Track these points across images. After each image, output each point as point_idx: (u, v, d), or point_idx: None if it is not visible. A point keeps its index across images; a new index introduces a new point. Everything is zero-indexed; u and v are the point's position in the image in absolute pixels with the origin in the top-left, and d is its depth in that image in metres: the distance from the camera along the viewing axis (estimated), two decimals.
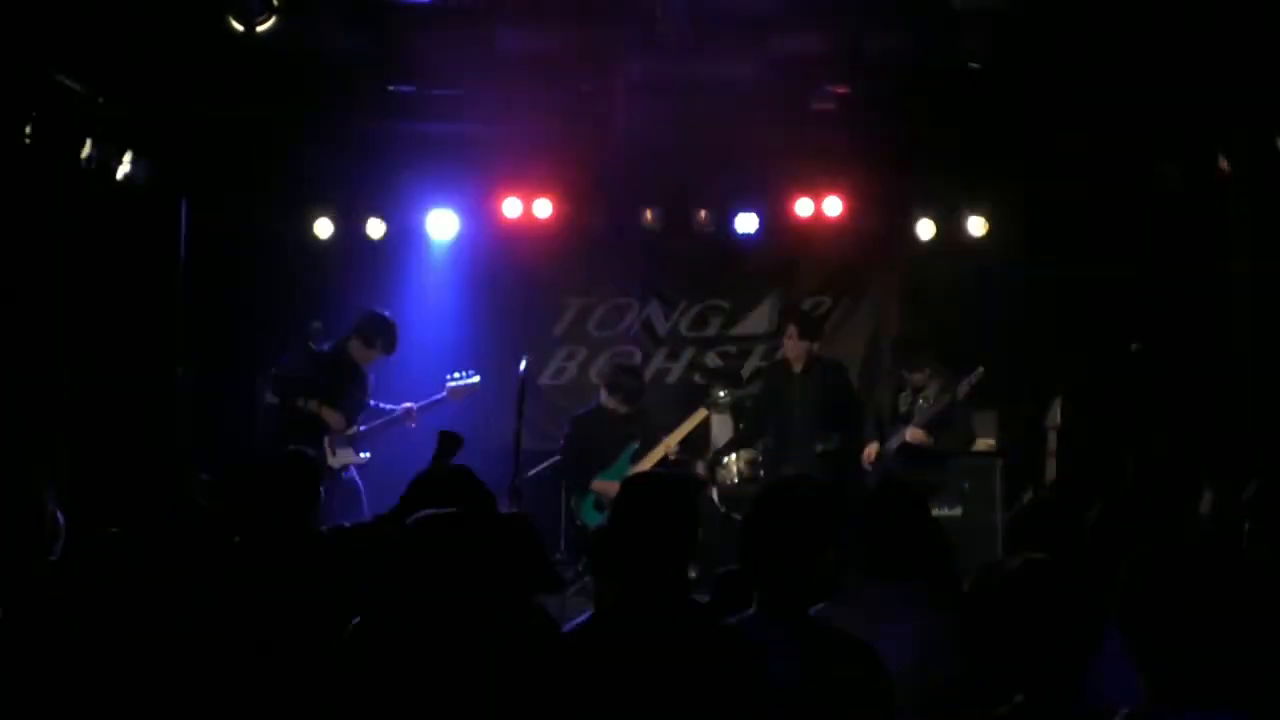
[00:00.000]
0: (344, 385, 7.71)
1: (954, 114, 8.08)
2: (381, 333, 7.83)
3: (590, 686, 2.92)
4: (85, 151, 7.56)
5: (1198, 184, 8.22)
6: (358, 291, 9.05)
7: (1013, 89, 7.52)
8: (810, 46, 7.10)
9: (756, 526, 3.41)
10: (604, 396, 8.19)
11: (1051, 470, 7.74)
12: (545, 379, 9.57)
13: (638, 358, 9.98)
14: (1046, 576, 2.67)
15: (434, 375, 8.33)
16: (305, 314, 8.25)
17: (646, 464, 7.95)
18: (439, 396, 8.08)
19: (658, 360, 10.05)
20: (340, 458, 7.67)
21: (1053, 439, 7.95)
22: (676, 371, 9.99)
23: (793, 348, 8.10)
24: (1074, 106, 7.83)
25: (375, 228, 9.19)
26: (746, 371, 9.81)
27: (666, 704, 2.91)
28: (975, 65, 7.12)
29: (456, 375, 8.16)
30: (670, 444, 8.07)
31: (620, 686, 2.91)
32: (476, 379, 8.18)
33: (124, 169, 7.94)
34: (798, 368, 8.10)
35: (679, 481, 3.28)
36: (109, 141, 7.76)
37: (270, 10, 5.75)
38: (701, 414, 8.33)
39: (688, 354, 9.99)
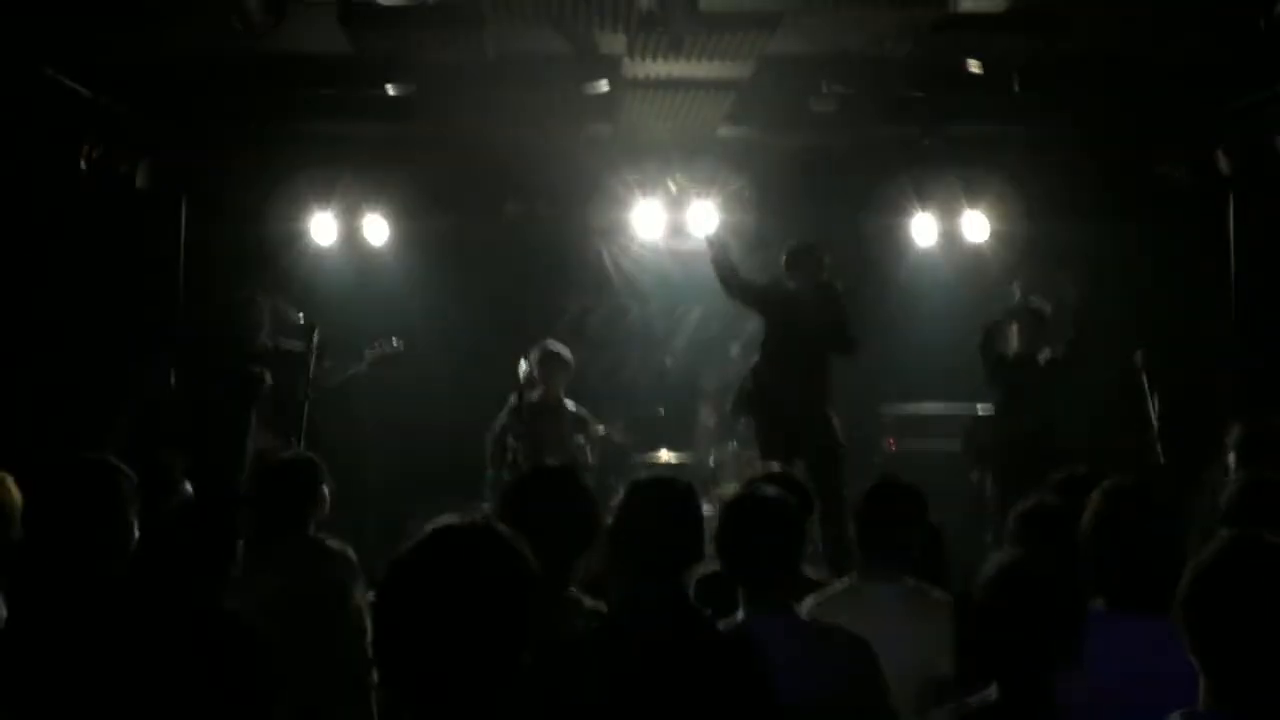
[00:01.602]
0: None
1: (956, 114, 8.09)
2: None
3: (597, 691, 2.92)
4: (85, 152, 7.56)
5: (1199, 184, 8.24)
6: (358, 292, 9.07)
7: (1013, 88, 7.52)
8: (810, 46, 7.10)
9: (731, 530, 3.42)
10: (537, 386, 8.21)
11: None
12: None
13: (638, 359, 10.01)
14: (1025, 576, 2.68)
15: (435, 375, 8.35)
16: (305, 314, 8.25)
17: None
18: (357, 369, 8.08)
19: (657, 361, 10.06)
20: (258, 443, 7.62)
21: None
22: (677, 373, 9.99)
23: (807, 277, 7.65)
24: (1076, 106, 7.85)
25: (375, 228, 9.20)
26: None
27: (674, 708, 2.90)
28: (976, 67, 7.11)
29: (376, 344, 8.16)
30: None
31: (627, 691, 2.90)
32: (397, 344, 8.18)
33: (124, 169, 7.95)
34: (804, 297, 7.67)
35: (684, 485, 3.27)
36: (109, 142, 7.76)
37: (271, 11, 5.74)
38: (599, 430, 8.44)
39: (688, 355, 10.00)
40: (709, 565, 3.65)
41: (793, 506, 3.45)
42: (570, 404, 8.40)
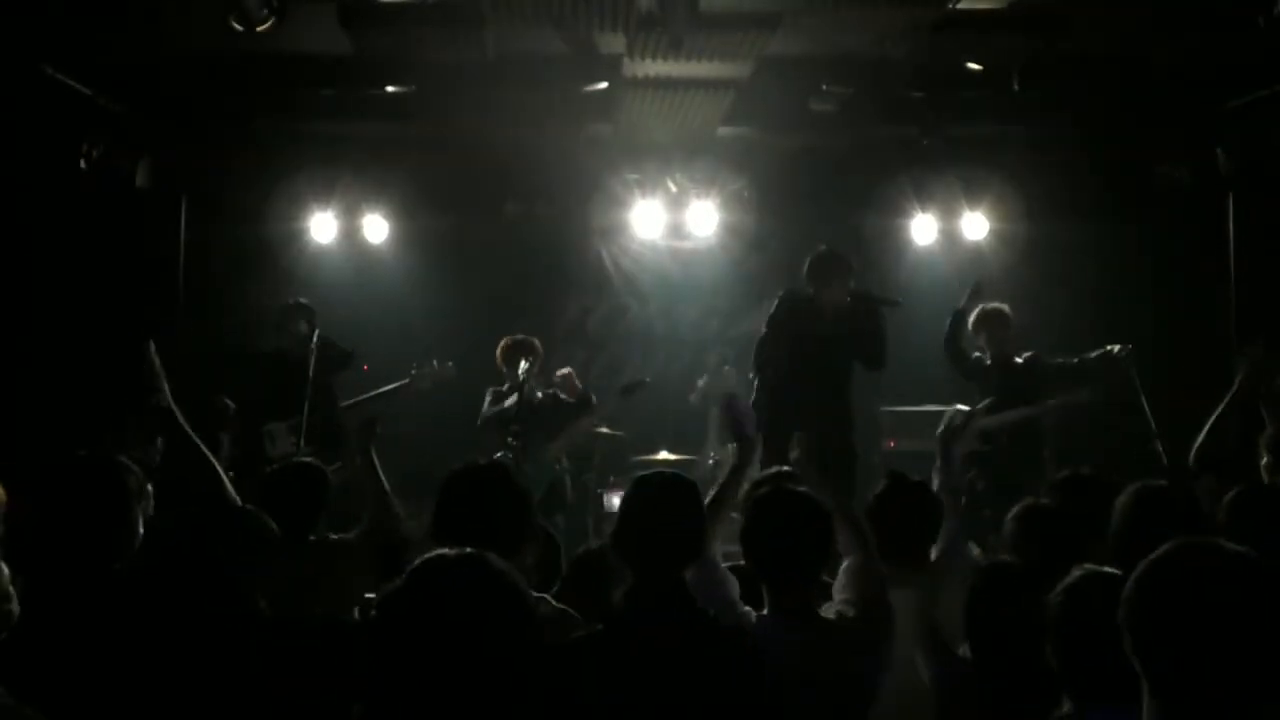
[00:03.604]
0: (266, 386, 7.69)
1: (956, 114, 8.09)
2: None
3: (599, 689, 2.92)
4: (85, 151, 7.56)
5: (1199, 184, 8.25)
6: (358, 291, 9.08)
7: (1013, 88, 7.52)
8: (810, 46, 7.11)
9: (760, 530, 3.41)
10: (506, 374, 8.14)
11: (1051, 471, 7.73)
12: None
13: (638, 358, 10.01)
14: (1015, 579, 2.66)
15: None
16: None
17: (564, 441, 8.07)
18: (399, 384, 8.04)
19: (657, 360, 10.07)
20: (280, 447, 7.53)
21: (1052, 439, 7.93)
22: (677, 373, 9.99)
23: (839, 293, 7.15)
24: (1076, 106, 7.86)
25: (375, 228, 9.20)
26: None
27: (678, 703, 2.91)
28: (975, 66, 7.12)
29: (425, 363, 8.14)
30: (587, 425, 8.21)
31: (629, 689, 2.91)
32: (449, 366, 8.14)
33: (124, 168, 7.95)
34: (829, 314, 7.19)
35: (688, 482, 3.27)
36: (109, 141, 7.76)
37: (271, 11, 5.75)
38: (614, 399, 8.39)
39: (688, 355, 10.01)
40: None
41: (823, 507, 3.44)
42: (540, 394, 8.35)
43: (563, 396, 8.30)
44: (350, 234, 9.24)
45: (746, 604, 3.47)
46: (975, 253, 9.30)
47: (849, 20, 6.59)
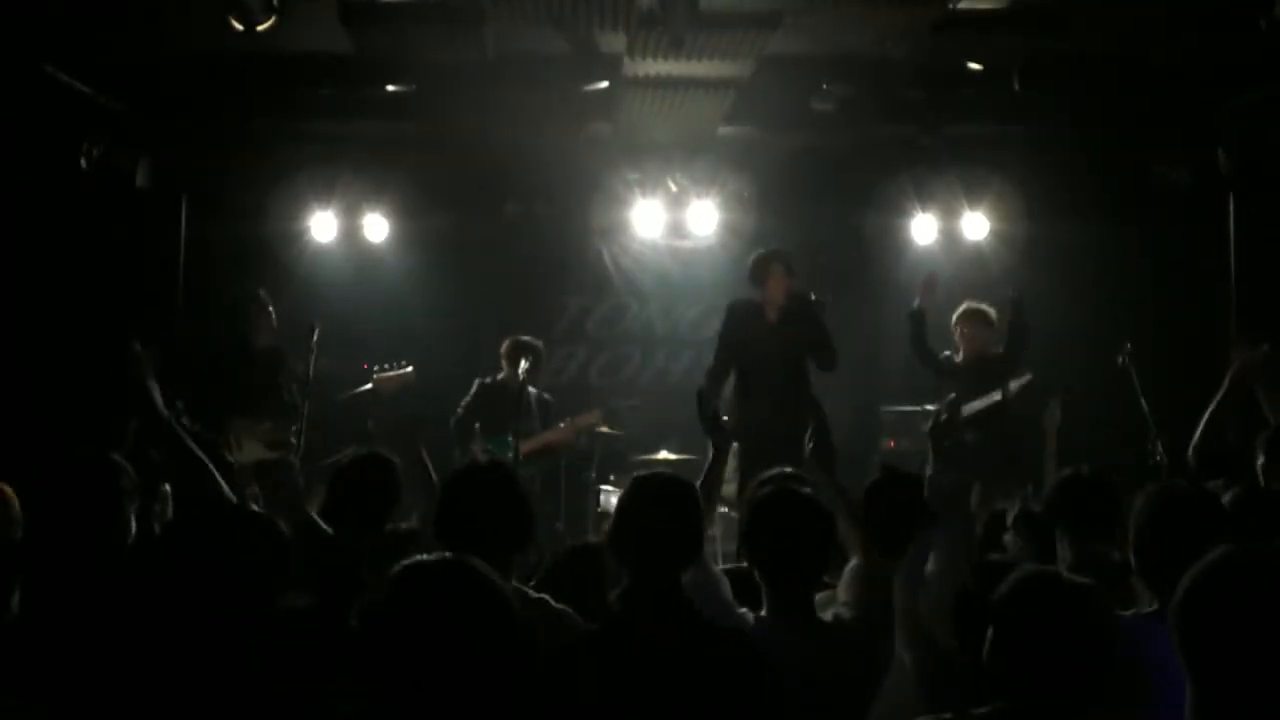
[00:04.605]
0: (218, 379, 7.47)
1: (956, 114, 8.10)
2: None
3: (598, 689, 2.92)
4: (86, 150, 7.57)
5: (1199, 184, 8.26)
6: (357, 290, 9.08)
7: (1013, 88, 7.53)
8: (810, 46, 7.11)
9: (760, 531, 3.41)
10: (505, 370, 8.19)
11: (1051, 471, 7.73)
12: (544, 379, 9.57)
13: (637, 358, 10.00)
14: (1054, 589, 2.63)
15: (435, 374, 8.33)
16: (305, 314, 8.22)
17: (534, 443, 8.10)
18: (364, 388, 8.03)
19: (657, 360, 10.06)
20: (248, 453, 7.26)
21: (1053, 439, 7.92)
22: (677, 373, 9.99)
23: (776, 289, 7.35)
24: (1076, 106, 7.86)
25: (375, 227, 9.20)
26: None
27: (677, 705, 2.91)
28: (976, 66, 7.13)
29: (385, 366, 8.10)
30: (562, 436, 8.23)
31: (628, 689, 2.90)
32: (409, 370, 8.11)
33: (124, 167, 7.95)
34: (772, 315, 7.42)
35: (685, 483, 3.27)
36: (110, 140, 7.76)
37: (271, 10, 5.75)
38: (596, 414, 8.50)
39: (688, 355, 10.00)
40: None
41: (824, 508, 3.43)
42: (532, 390, 8.35)
43: (547, 398, 8.33)
44: (350, 233, 9.23)
45: (740, 605, 3.48)
46: (975, 253, 9.30)
47: (849, 20, 6.59)
